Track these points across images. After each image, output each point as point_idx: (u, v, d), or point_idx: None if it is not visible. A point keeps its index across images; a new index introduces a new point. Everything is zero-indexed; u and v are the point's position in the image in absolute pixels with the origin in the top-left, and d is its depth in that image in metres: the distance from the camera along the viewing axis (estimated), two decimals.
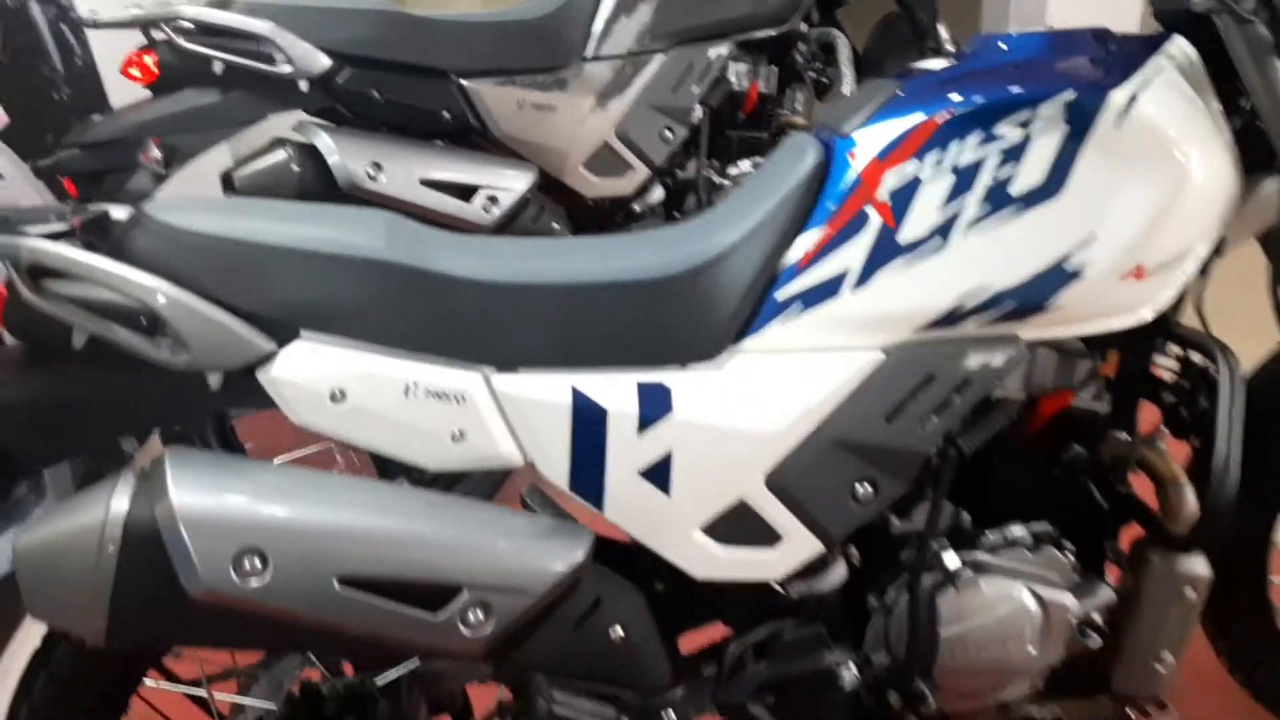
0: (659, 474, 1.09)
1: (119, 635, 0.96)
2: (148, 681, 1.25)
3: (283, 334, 1.02)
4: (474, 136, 1.92)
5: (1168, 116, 1.06)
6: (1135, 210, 1.06)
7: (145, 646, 1.11)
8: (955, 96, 1.09)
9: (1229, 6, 1.06)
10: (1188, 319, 1.24)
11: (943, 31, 2.34)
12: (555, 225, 1.91)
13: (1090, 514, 1.23)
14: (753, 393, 1.09)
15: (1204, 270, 1.22)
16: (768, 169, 1.17)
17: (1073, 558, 1.23)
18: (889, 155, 1.09)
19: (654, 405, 1.07)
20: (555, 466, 1.08)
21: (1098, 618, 1.20)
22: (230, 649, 1.08)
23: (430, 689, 1.30)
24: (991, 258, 1.08)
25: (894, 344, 1.10)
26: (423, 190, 1.78)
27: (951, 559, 1.19)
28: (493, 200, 1.82)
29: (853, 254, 1.09)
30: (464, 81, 1.86)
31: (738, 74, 2.16)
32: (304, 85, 1.77)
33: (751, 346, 1.10)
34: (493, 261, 1.08)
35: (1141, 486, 1.24)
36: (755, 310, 1.10)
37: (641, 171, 2.03)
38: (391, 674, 1.23)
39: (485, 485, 1.39)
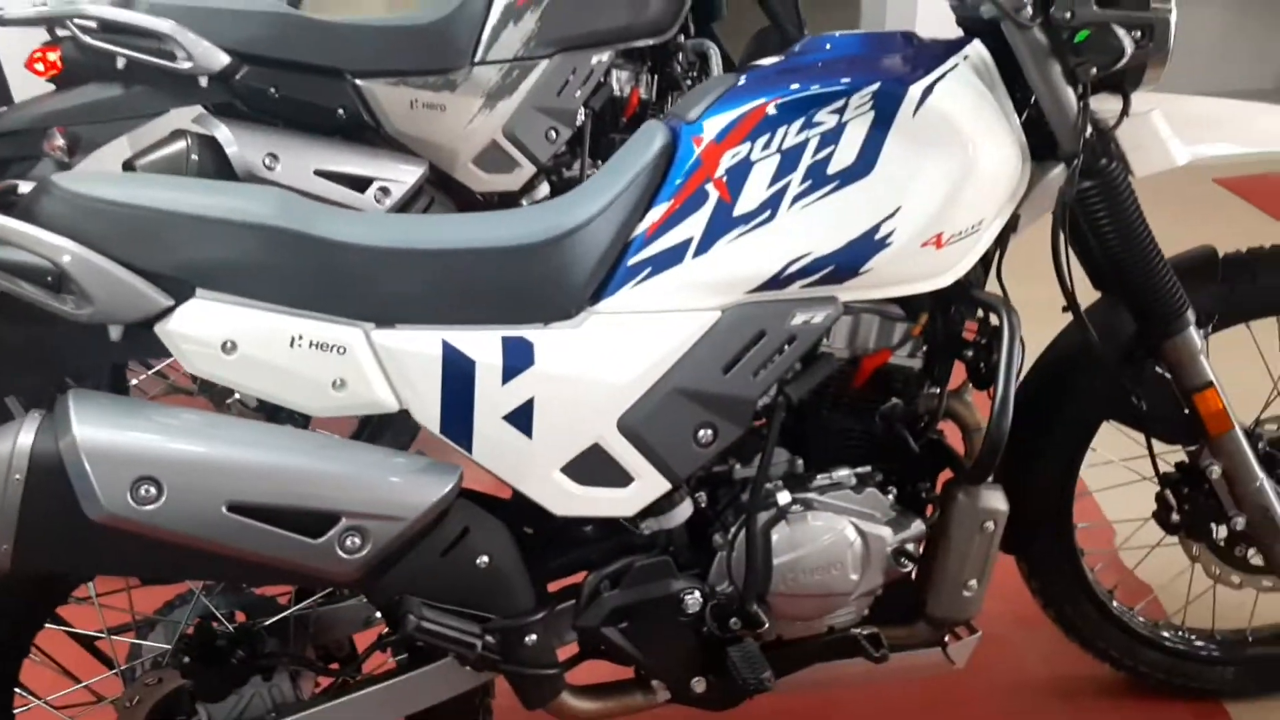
0: (521, 419, 1.22)
1: (25, 559, 1.06)
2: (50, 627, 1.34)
3: (180, 291, 1.14)
4: (368, 133, 2.04)
5: (957, 107, 1.24)
6: (933, 186, 1.24)
7: (51, 569, 1.20)
8: (781, 88, 1.25)
9: (1009, 14, 1.24)
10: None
11: None
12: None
13: (907, 459, 1.40)
14: (606, 348, 1.24)
15: (1002, 243, 1.40)
16: (623, 153, 1.32)
17: (892, 497, 1.39)
18: (725, 139, 1.24)
19: (517, 357, 1.21)
20: (428, 412, 1.21)
21: (911, 548, 1.37)
22: (129, 575, 1.17)
23: (317, 634, 1.42)
24: (813, 228, 1.24)
25: (729, 304, 1.26)
26: (317, 180, 1.90)
27: (784, 497, 1.34)
28: (384, 191, 1.94)
29: (694, 225, 1.24)
30: (358, 81, 1.98)
31: (620, 80, 2.32)
32: (204, 81, 1.87)
33: (605, 307, 1.24)
34: (374, 229, 1.21)
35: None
36: (609, 275, 1.24)
37: (528, 169, 2.17)
38: (278, 616, 1.34)
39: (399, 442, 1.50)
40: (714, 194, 1.24)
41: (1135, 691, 1.77)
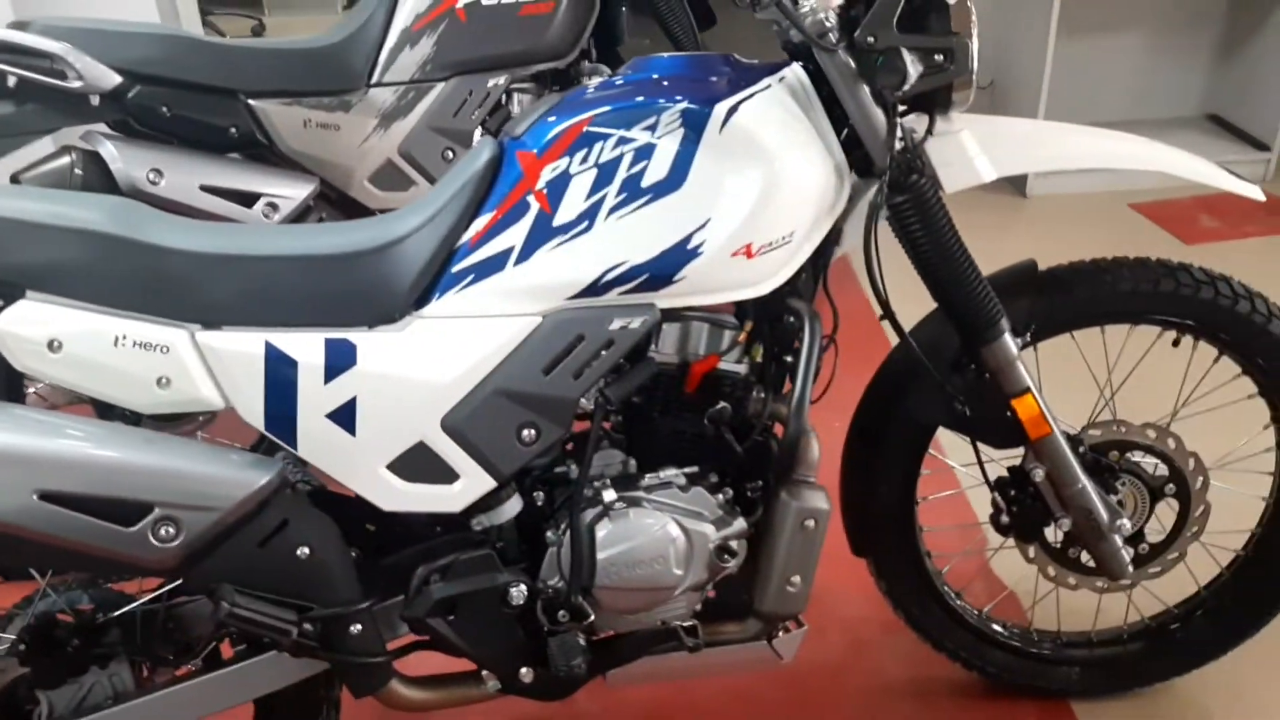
0: (344, 417, 1.28)
1: None
2: None
3: (9, 293, 1.20)
4: (262, 151, 2.11)
5: (763, 125, 1.31)
6: (740, 199, 1.31)
7: None
8: (600, 105, 1.32)
9: (813, 40, 1.32)
10: None
11: None
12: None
13: (735, 461, 1.46)
14: (429, 350, 1.30)
15: (825, 255, 1.47)
16: (455, 166, 1.39)
17: (722, 498, 1.45)
18: (546, 153, 1.31)
19: (340, 358, 1.27)
20: (252, 410, 1.27)
21: (734, 545, 1.43)
22: None
23: (174, 629, 1.46)
24: (628, 238, 1.31)
25: (550, 310, 1.32)
26: (203, 195, 1.96)
27: (609, 494, 1.40)
28: (272, 207, 2.01)
29: (516, 235, 1.31)
30: (251, 100, 2.06)
31: (520, 102, 2.40)
32: (95, 100, 1.93)
33: (430, 312, 1.31)
34: (205, 237, 1.27)
35: None
36: (434, 281, 1.31)
37: (424, 186, 2.24)
38: (123, 610, 1.40)
39: None
40: (535, 205, 1.31)
41: (988, 692, 1.82)
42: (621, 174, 1.31)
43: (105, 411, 1.29)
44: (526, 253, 1.31)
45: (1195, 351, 1.61)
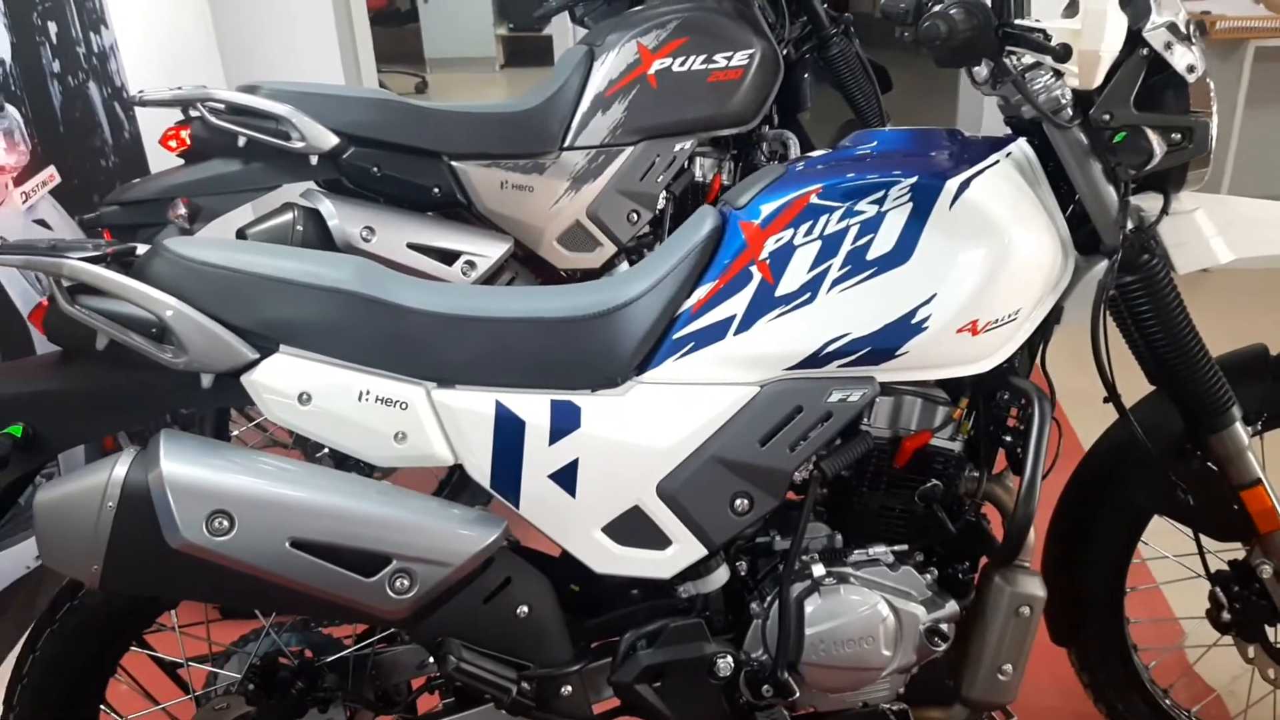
0: (566, 478, 1.31)
1: (112, 580, 1.18)
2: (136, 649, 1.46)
3: (265, 346, 1.26)
4: (460, 210, 2.19)
5: (993, 201, 1.30)
6: (968, 275, 1.29)
7: (133, 592, 1.32)
8: (825, 178, 1.33)
9: (1048, 116, 1.30)
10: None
11: None
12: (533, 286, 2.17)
13: (946, 540, 1.43)
14: (649, 415, 1.32)
15: (1045, 333, 1.44)
16: (677, 234, 1.41)
17: (930, 577, 1.42)
18: (770, 224, 1.33)
19: (565, 420, 1.30)
20: (480, 467, 1.30)
21: (945, 628, 1.39)
22: (203, 600, 1.28)
23: (378, 675, 1.50)
24: (851, 311, 1.31)
25: (769, 380, 1.32)
26: (409, 252, 2.05)
27: (818, 569, 1.39)
28: (471, 265, 2.08)
29: (737, 304, 1.32)
30: (453, 162, 2.14)
31: (703, 167, 2.43)
32: (314, 160, 2.05)
33: (650, 378, 1.33)
34: (440, 298, 1.32)
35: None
36: (655, 348, 1.33)
37: (609, 248, 2.29)
38: (338, 655, 1.44)
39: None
40: (757, 275, 1.32)
41: None
42: (846, 246, 1.31)
43: (338, 463, 1.35)
44: (747, 322, 1.32)
45: None
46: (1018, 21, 1.24)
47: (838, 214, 1.31)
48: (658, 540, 1.34)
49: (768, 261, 1.32)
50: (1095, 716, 1.70)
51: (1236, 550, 1.53)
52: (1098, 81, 1.23)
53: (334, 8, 3.67)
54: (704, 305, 1.33)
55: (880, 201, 1.31)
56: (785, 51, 2.46)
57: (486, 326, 1.31)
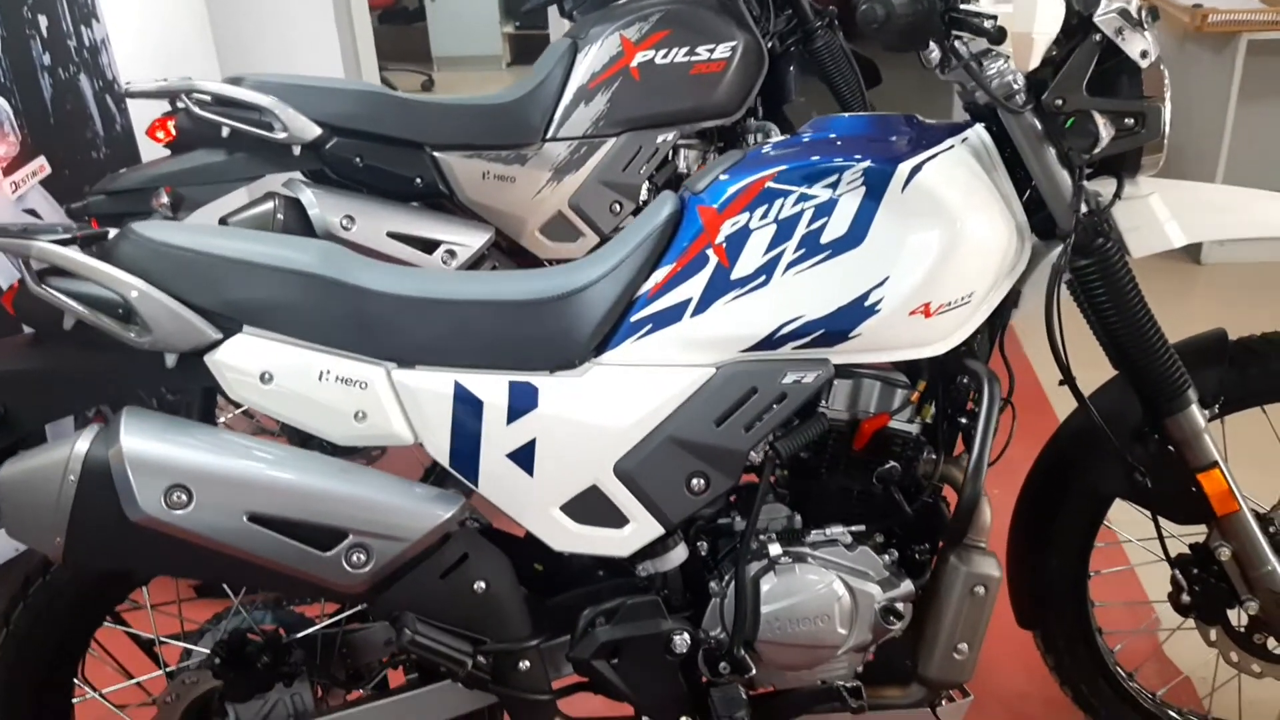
0: (524, 457, 1.33)
1: (75, 553, 1.21)
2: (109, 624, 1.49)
3: (228, 327, 1.29)
4: (442, 200, 2.22)
5: (945, 185, 1.32)
6: (919, 258, 1.31)
7: (96, 564, 1.35)
8: (781, 162, 1.35)
9: (1000, 102, 1.32)
10: None
11: None
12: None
13: (904, 521, 1.44)
14: (606, 396, 1.34)
15: (1003, 317, 1.45)
16: (638, 219, 1.44)
17: (888, 558, 1.44)
18: (726, 208, 1.35)
19: (522, 400, 1.32)
20: (439, 446, 1.32)
21: (900, 607, 1.41)
22: (164, 573, 1.31)
23: (348, 654, 1.53)
24: (805, 294, 1.32)
25: (724, 361, 1.34)
26: (389, 241, 2.08)
27: (775, 549, 1.41)
28: (451, 254, 2.11)
29: (694, 287, 1.34)
30: (435, 153, 2.17)
31: (687, 158, 2.45)
32: (297, 150, 2.08)
33: (608, 360, 1.35)
34: (402, 280, 1.35)
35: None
36: (613, 330, 1.35)
37: (592, 238, 2.32)
38: (306, 631, 1.47)
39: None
40: (713, 259, 1.34)
41: None
42: (801, 230, 1.32)
43: (303, 442, 1.37)
44: (704, 305, 1.34)
45: None
46: (963, 5, 1.26)
47: (793, 198, 1.33)
48: (615, 519, 1.36)
49: (724, 245, 1.34)
50: (1061, 699, 1.71)
51: (1198, 534, 1.54)
52: (1033, 64, 1.24)
53: (334, 5, 3.70)
54: (661, 288, 1.35)
55: (834, 185, 1.32)
56: (770, 44, 2.47)
57: (446, 308, 1.33)
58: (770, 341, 1.33)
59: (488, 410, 1.32)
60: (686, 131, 2.40)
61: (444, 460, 1.33)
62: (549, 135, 2.27)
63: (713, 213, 1.35)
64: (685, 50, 2.32)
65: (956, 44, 1.30)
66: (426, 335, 1.32)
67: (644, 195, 2.36)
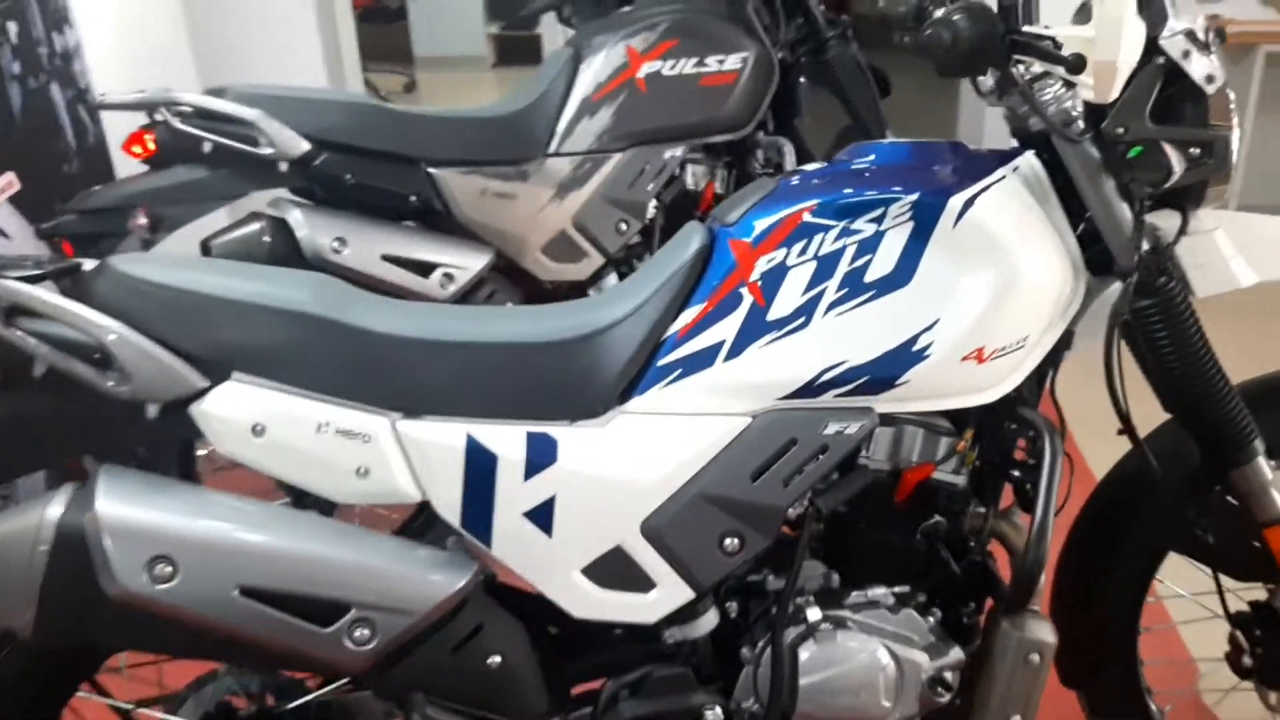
0: (542, 516, 1.21)
1: (46, 629, 1.08)
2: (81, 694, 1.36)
3: (216, 373, 1.17)
4: (438, 219, 2.10)
5: (1000, 220, 1.21)
6: (973, 299, 1.20)
7: (69, 642, 1.23)
8: (820, 194, 1.24)
9: (1057, 130, 1.21)
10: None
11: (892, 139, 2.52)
12: (509, 305, 2.07)
13: (950, 581, 1.34)
14: (632, 448, 1.22)
15: (1055, 360, 1.35)
16: (662, 253, 1.32)
17: (933, 621, 1.33)
18: (761, 243, 1.23)
19: (541, 454, 1.21)
20: (449, 504, 1.21)
21: (949, 676, 1.30)
22: (145, 650, 1.19)
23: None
24: (848, 337, 1.21)
25: (760, 410, 1.23)
26: (383, 265, 1.95)
27: (814, 613, 1.30)
28: (449, 278, 1.99)
29: (727, 328, 1.23)
30: (431, 169, 2.05)
31: (694, 174, 2.34)
32: (284, 166, 1.95)
33: (634, 407, 1.23)
34: (407, 320, 1.23)
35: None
36: (639, 375, 1.24)
37: (596, 259, 2.20)
38: (299, 701, 1.34)
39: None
40: (748, 298, 1.23)
41: None
42: (843, 268, 1.22)
43: (297, 500, 1.25)
44: (738, 348, 1.23)
45: None
46: (1026, 28, 1.15)
47: (833, 232, 1.22)
48: (641, 583, 1.24)
49: (759, 283, 1.23)
50: None
51: (1257, 589, 1.44)
52: (1114, 95, 1.13)
53: (316, 5, 3.57)
54: (691, 329, 1.24)
55: (879, 220, 1.21)
56: (780, 55, 2.37)
57: (457, 352, 1.22)
58: (811, 389, 1.22)
59: (503, 465, 1.20)
60: (695, 146, 2.29)
61: (454, 520, 1.21)
62: (551, 150, 2.15)
63: (746, 247, 1.24)
64: (694, 61, 2.21)
65: (1013, 69, 1.19)
66: (435, 382, 1.21)
67: (651, 213, 2.25)
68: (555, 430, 1.21)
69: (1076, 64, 1.09)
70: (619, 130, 2.18)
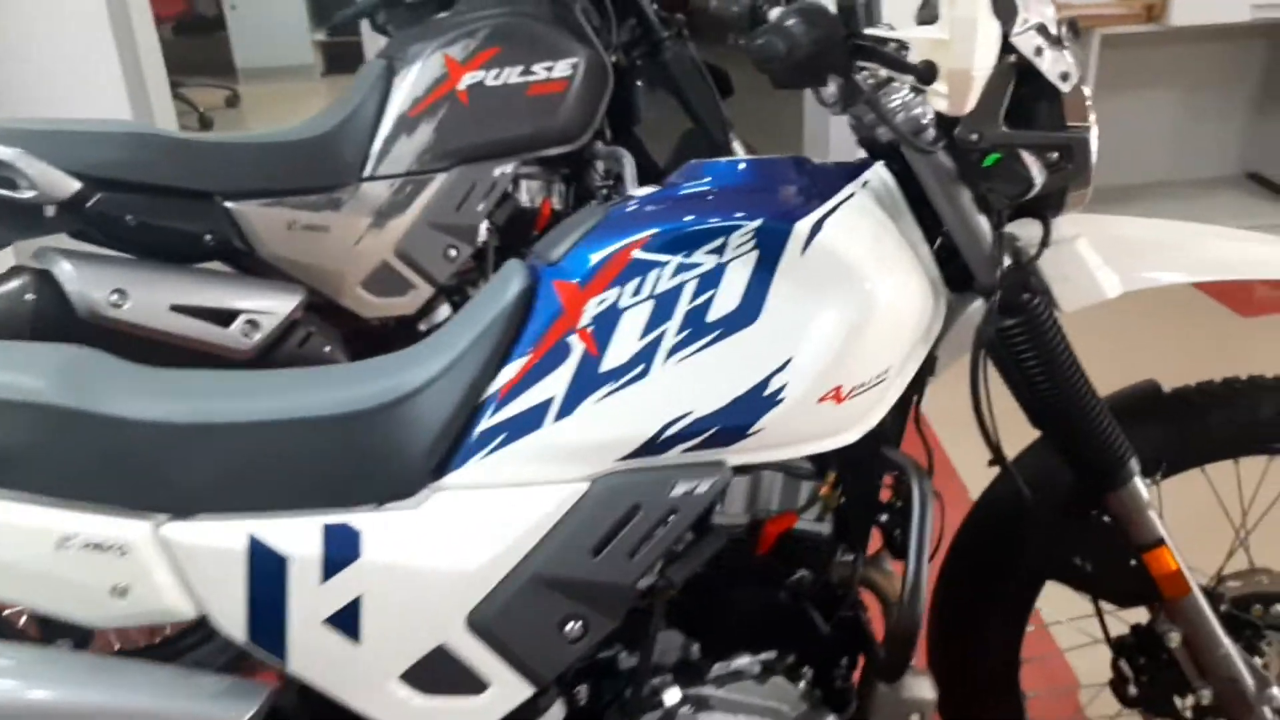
0: (347, 621, 1.03)
1: None
2: None
3: None
4: (241, 259, 1.87)
5: (852, 244, 1.08)
6: (827, 334, 1.07)
7: None
8: (653, 224, 1.09)
9: (906, 139, 1.09)
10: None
11: (738, 147, 2.41)
12: (327, 348, 1.86)
13: (819, 640, 1.21)
14: (451, 531, 1.05)
15: (919, 388, 1.24)
16: (479, 298, 1.15)
17: (804, 684, 1.20)
18: (590, 283, 1.08)
19: (341, 548, 1.02)
20: (231, 618, 1.01)
21: None
22: None
23: None
24: (693, 384, 1.07)
25: (599, 474, 1.08)
26: (173, 317, 1.71)
27: (672, 695, 1.15)
28: (253, 325, 1.76)
29: (555, 384, 1.07)
30: (228, 203, 1.81)
31: (529, 190, 2.17)
32: (50, 211, 1.68)
33: (452, 483, 1.06)
34: (171, 400, 1.03)
35: None
36: (456, 445, 1.06)
37: (425, 289, 2.00)
38: None
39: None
40: (578, 346, 1.07)
41: None
42: (683, 307, 1.07)
43: (49, 626, 1.04)
44: (570, 405, 1.07)
45: None
46: (869, 31, 1.03)
47: (670, 267, 1.07)
48: (472, 684, 1.07)
49: (590, 329, 1.07)
50: None
51: (1139, 612, 1.37)
52: (970, 106, 1.02)
53: (110, 18, 3.25)
54: (514, 387, 1.07)
55: (720, 250, 1.07)
56: (614, 58, 2.22)
57: (232, 435, 1.02)
58: (654, 446, 1.07)
59: (295, 567, 1.01)
60: (527, 160, 2.12)
61: (239, 636, 1.02)
62: (366, 174, 1.95)
63: (573, 289, 1.08)
64: (519, 69, 2.04)
65: (857, 77, 1.06)
66: (207, 474, 1.01)
67: (483, 236, 2.06)
68: (357, 519, 1.03)
69: (927, 73, 0.97)
70: (441, 148, 1.99)
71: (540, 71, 2.05)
